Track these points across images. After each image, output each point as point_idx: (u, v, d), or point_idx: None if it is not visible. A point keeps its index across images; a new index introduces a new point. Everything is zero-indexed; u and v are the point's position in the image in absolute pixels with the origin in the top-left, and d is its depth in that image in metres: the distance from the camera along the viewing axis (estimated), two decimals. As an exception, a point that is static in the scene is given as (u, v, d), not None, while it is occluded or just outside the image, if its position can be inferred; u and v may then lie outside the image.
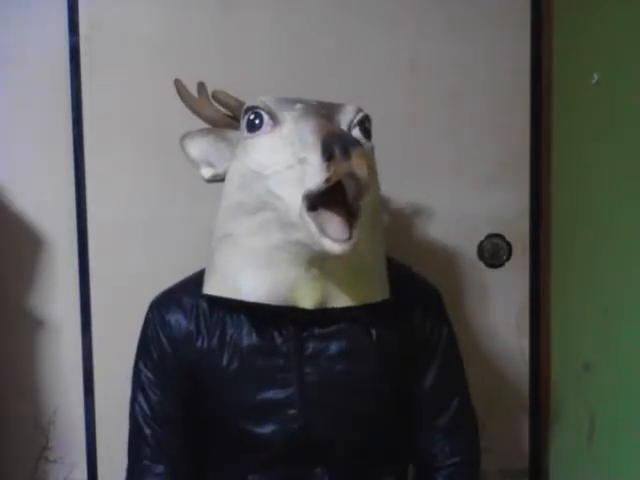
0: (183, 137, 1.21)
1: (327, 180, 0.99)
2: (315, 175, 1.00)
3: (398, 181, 1.66)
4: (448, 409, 1.25)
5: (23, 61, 1.62)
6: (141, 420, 1.23)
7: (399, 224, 1.68)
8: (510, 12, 1.66)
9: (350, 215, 1.04)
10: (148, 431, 1.22)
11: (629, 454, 1.34)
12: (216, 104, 1.25)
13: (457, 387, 1.28)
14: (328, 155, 0.99)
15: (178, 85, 1.27)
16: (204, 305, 1.21)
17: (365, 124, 1.16)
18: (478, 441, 1.30)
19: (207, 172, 1.20)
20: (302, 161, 1.03)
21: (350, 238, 1.02)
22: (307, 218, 1.02)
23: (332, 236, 1.02)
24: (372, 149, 1.18)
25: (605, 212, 1.42)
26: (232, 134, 1.20)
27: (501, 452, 1.69)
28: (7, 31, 1.62)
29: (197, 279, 1.21)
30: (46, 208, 1.65)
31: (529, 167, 1.68)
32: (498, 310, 1.71)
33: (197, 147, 1.20)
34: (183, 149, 1.21)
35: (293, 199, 1.04)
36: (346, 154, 0.99)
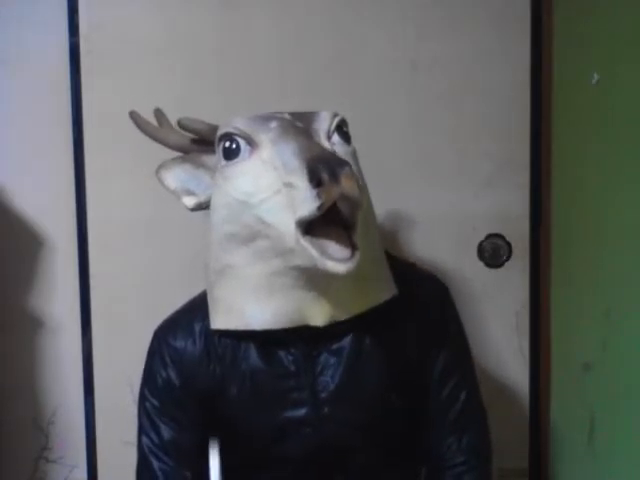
0: (158, 168, 1.16)
1: (319, 207, 0.95)
2: (306, 202, 0.96)
3: (398, 181, 1.66)
4: (456, 404, 1.23)
5: (23, 61, 1.63)
6: (146, 450, 1.20)
7: (399, 224, 1.68)
8: (510, 12, 1.66)
9: (347, 229, 1.01)
10: (154, 461, 1.20)
11: (629, 454, 1.33)
12: (183, 131, 1.18)
13: (465, 382, 1.25)
14: (316, 182, 0.94)
15: (135, 117, 1.24)
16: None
17: (343, 128, 1.12)
18: (488, 438, 1.28)
19: (189, 201, 1.15)
20: (288, 185, 0.99)
21: (352, 256, 0.99)
22: (305, 244, 0.99)
23: (335, 257, 0.98)
24: (354, 152, 1.14)
25: (605, 212, 1.42)
26: (208, 159, 1.16)
27: (501, 452, 1.69)
28: (7, 31, 1.62)
29: (201, 303, 1.18)
30: (46, 208, 1.65)
31: (529, 167, 1.68)
32: (498, 310, 1.71)
33: (174, 177, 1.15)
34: (160, 180, 1.15)
35: (286, 225, 1.00)
36: (335, 178, 0.94)
